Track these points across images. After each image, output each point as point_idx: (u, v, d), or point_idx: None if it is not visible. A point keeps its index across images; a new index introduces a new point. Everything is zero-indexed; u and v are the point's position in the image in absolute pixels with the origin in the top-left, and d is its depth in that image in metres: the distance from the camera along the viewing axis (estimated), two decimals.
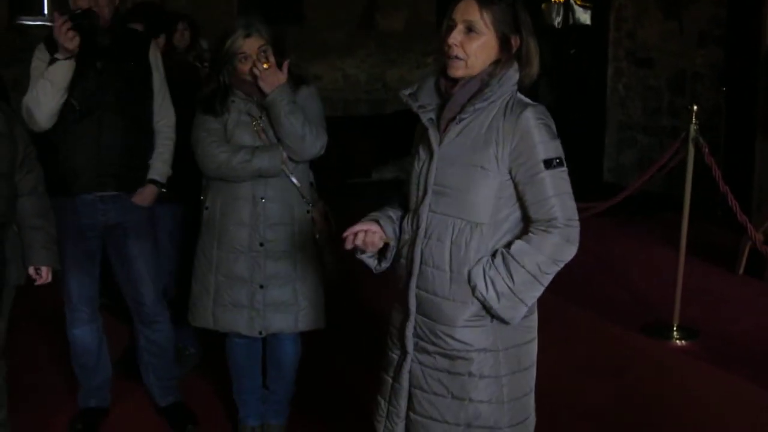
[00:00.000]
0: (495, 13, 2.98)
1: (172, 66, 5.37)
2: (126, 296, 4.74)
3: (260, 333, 4.32)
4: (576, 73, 11.49)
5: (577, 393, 5.01)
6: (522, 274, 2.97)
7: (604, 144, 11.16)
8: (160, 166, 4.60)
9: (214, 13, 10.21)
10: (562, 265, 3.02)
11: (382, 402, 3.29)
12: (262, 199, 4.22)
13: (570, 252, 3.01)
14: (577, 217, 3.01)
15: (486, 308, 3.02)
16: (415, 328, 3.13)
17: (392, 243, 3.18)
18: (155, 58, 4.60)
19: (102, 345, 4.76)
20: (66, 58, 4.13)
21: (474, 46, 2.98)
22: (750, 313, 6.28)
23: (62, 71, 4.15)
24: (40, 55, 4.28)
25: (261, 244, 4.24)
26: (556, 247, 2.97)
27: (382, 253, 3.23)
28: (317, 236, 4.36)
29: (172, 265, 5.35)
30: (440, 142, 3.04)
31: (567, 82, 11.45)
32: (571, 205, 3.01)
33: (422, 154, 3.12)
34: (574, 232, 3.00)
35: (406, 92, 3.17)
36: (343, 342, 5.61)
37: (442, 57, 3.04)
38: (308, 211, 4.33)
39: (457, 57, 2.98)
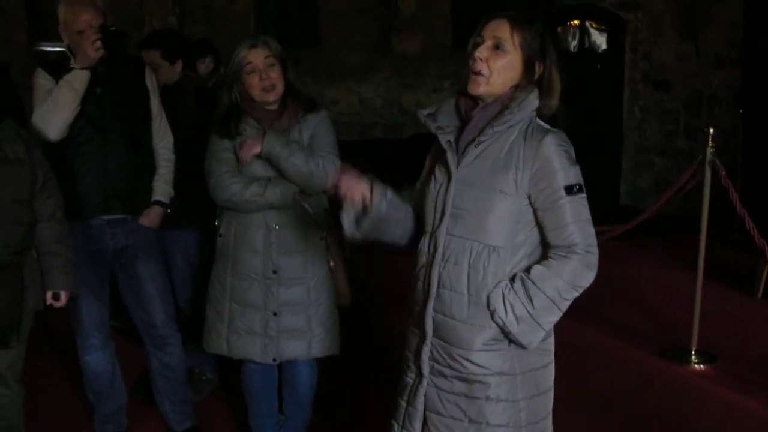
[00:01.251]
0: (524, 35, 2.99)
1: (189, 90, 5.41)
2: (136, 319, 4.74)
3: (274, 360, 4.32)
4: (592, 96, 11.49)
5: (595, 417, 4.99)
6: (541, 299, 2.96)
7: (621, 167, 11.16)
8: (163, 187, 4.63)
9: (231, 37, 10.26)
10: (580, 290, 3.01)
11: (396, 425, 3.27)
12: (275, 226, 4.22)
13: (589, 278, 3.00)
14: (596, 244, 3.01)
15: (504, 332, 3.01)
16: (431, 351, 3.11)
17: (371, 210, 3.13)
18: (151, 81, 4.64)
19: (115, 371, 4.76)
20: (83, 68, 4.21)
21: (498, 64, 2.98)
22: None
23: (81, 77, 4.22)
24: (43, 76, 4.33)
25: (274, 272, 4.23)
26: (576, 272, 2.97)
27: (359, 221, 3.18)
28: (331, 263, 4.36)
29: (189, 291, 5.36)
30: (458, 164, 3.04)
31: (583, 106, 11.45)
32: (591, 231, 3.01)
33: (439, 176, 3.11)
34: (594, 259, 2.99)
35: (425, 112, 3.18)
36: (358, 367, 5.61)
37: (465, 73, 3.03)
38: (322, 238, 4.33)
39: (480, 73, 2.98)
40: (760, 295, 7.06)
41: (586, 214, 3.00)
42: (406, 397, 3.22)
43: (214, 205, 4.37)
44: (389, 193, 3.20)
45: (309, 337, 4.30)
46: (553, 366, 3.20)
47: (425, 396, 3.14)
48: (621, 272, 7.49)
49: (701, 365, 5.65)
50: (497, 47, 2.98)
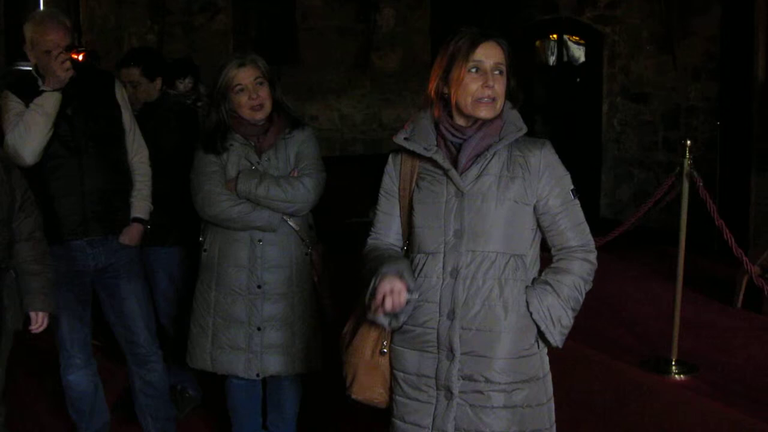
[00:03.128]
0: (510, 57, 3.12)
1: (170, 107, 5.42)
2: (118, 337, 4.73)
3: (257, 375, 4.32)
4: (571, 109, 11.53)
5: (576, 428, 5.00)
6: (568, 297, 3.13)
7: (600, 180, 11.18)
8: (142, 204, 4.61)
9: (210, 55, 10.28)
10: (590, 285, 3.21)
11: None
12: (259, 241, 4.23)
13: (593, 272, 3.21)
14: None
15: (541, 334, 3.13)
16: (459, 370, 3.11)
17: (414, 297, 3.09)
18: (121, 95, 4.62)
19: (98, 389, 4.74)
20: (54, 90, 4.18)
21: (502, 88, 3.10)
22: (749, 347, 6.27)
23: (52, 100, 4.18)
24: (12, 99, 4.28)
25: (259, 287, 4.24)
26: (590, 267, 3.20)
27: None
28: (315, 278, 4.37)
29: (172, 307, 5.35)
30: (464, 182, 3.09)
31: (562, 119, 11.49)
32: (589, 230, 3.22)
33: (440, 195, 3.13)
34: (595, 255, 3.21)
35: (402, 137, 3.21)
36: (342, 384, 5.60)
37: (453, 93, 3.09)
38: (307, 254, 4.34)
39: (495, 99, 3.07)
40: (739, 305, 7.09)
41: (583, 215, 3.20)
42: (428, 421, 3.17)
43: (196, 220, 4.38)
44: (409, 266, 3.18)
45: (293, 352, 4.31)
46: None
47: (455, 416, 3.13)
48: (601, 284, 7.40)
49: (682, 375, 5.66)
50: (498, 72, 3.09)
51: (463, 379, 3.11)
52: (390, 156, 3.30)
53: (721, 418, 5.12)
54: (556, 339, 3.15)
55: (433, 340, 3.14)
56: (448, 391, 3.12)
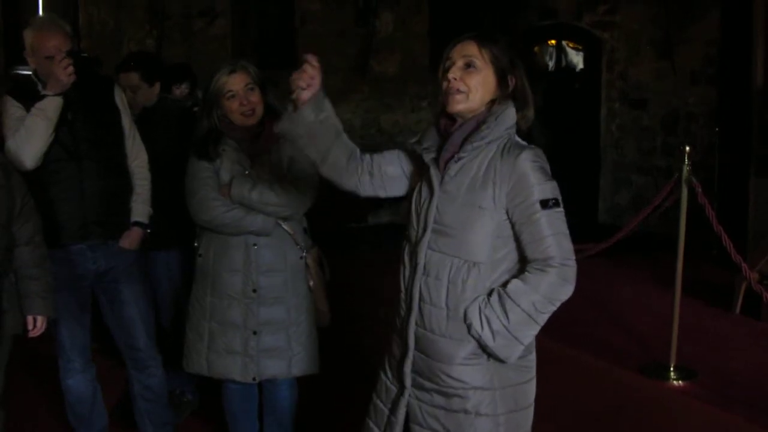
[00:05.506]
0: (493, 50, 3.07)
1: (169, 112, 5.42)
2: (118, 342, 4.72)
3: (254, 379, 4.31)
4: (570, 114, 11.54)
5: None
6: (517, 312, 2.98)
7: (599, 185, 11.20)
8: (141, 208, 4.61)
9: (208, 59, 10.27)
10: (558, 304, 3.03)
11: (376, 429, 3.31)
12: (254, 245, 4.23)
13: (566, 291, 3.02)
14: (573, 257, 3.04)
15: (481, 347, 3.04)
16: (413, 364, 3.15)
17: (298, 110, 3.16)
18: (121, 99, 4.62)
19: (96, 394, 4.73)
20: (55, 94, 4.18)
21: (474, 81, 3.05)
22: (747, 353, 6.28)
23: (54, 104, 4.19)
24: (13, 103, 4.29)
25: (254, 291, 4.24)
26: (552, 286, 2.99)
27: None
28: (311, 282, 4.37)
29: (171, 312, 5.35)
30: (441, 180, 3.09)
31: (561, 124, 11.50)
32: (568, 244, 3.03)
33: (424, 191, 3.16)
34: (571, 272, 3.01)
35: (412, 141, 3.25)
36: (338, 387, 5.60)
37: (441, 96, 3.11)
38: (302, 257, 4.34)
39: (458, 90, 3.05)
40: (737, 310, 7.10)
41: (563, 227, 3.03)
42: (389, 405, 3.26)
43: (191, 225, 4.38)
44: (332, 120, 3.26)
45: (289, 356, 4.31)
46: (534, 382, 3.22)
47: (407, 407, 3.18)
48: (600, 290, 7.51)
49: (680, 381, 5.67)
50: (468, 65, 3.06)
51: (414, 373, 3.16)
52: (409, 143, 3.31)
53: (720, 424, 5.13)
54: (499, 353, 3.03)
55: (399, 332, 3.22)
56: (401, 382, 3.19)
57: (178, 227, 4.77)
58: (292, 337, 4.31)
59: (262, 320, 4.27)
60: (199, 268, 4.35)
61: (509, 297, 2.99)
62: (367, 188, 3.36)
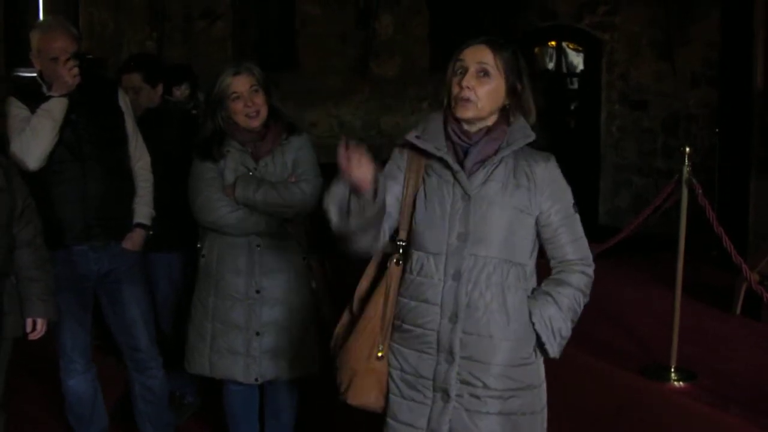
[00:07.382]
0: (505, 59, 3.10)
1: (172, 113, 5.43)
2: (119, 342, 4.74)
3: (256, 380, 4.32)
4: (570, 116, 11.54)
5: None
6: (572, 311, 3.17)
7: (599, 187, 11.19)
8: (144, 209, 4.63)
9: (209, 61, 10.27)
10: (588, 298, 3.24)
11: None
12: (257, 246, 4.24)
13: (591, 285, 3.25)
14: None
15: (540, 344, 3.15)
16: (458, 372, 3.13)
17: (378, 201, 2.96)
18: (124, 101, 4.64)
19: (97, 395, 4.75)
20: (61, 96, 4.20)
21: (485, 90, 3.07)
22: (748, 354, 6.26)
23: (60, 105, 4.21)
24: (18, 105, 4.31)
25: (257, 292, 4.25)
26: (589, 283, 3.24)
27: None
28: (313, 284, 4.37)
29: (173, 314, 5.35)
30: (472, 186, 3.09)
31: (561, 126, 11.50)
32: (587, 244, 3.23)
33: (447, 197, 3.12)
34: (593, 268, 3.24)
35: (413, 135, 3.19)
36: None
37: (450, 98, 3.11)
38: (304, 258, 4.34)
39: (469, 99, 3.06)
40: (738, 312, 7.09)
41: (582, 229, 3.22)
42: (422, 422, 3.17)
43: (197, 226, 4.38)
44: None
45: (291, 357, 4.31)
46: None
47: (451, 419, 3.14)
48: (600, 291, 7.39)
49: (681, 382, 5.65)
50: (483, 73, 3.07)
51: (461, 383, 3.11)
52: (396, 149, 3.28)
53: (720, 426, 5.12)
54: (555, 350, 3.17)
55: (433, 342, 3.14)
56: (445, 393, 3.13)
57: (179, 229, 4.78)
58: (294, 338, 4.32)
59: (265, 321, 4.28)
60: (202, 269, 4.36)
61: (565, 296, 3.15)
62: None
